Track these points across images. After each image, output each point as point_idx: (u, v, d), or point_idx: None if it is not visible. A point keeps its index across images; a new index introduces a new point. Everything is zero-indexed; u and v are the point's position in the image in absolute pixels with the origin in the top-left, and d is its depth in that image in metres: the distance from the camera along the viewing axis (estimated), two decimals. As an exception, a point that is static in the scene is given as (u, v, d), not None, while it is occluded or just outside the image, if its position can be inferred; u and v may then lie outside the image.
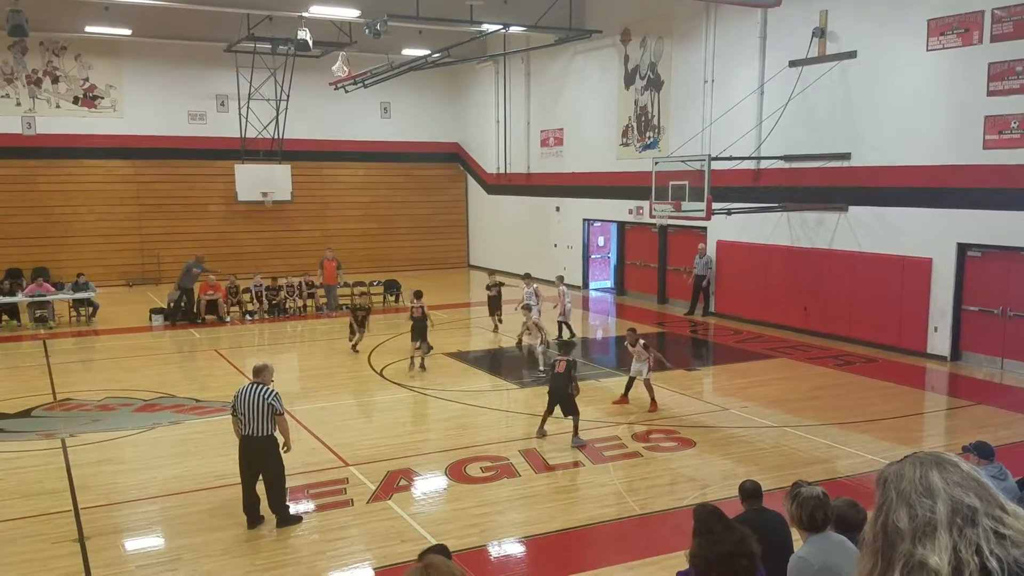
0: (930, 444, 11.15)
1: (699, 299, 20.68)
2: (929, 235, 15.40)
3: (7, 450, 10.76)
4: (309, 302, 21.73)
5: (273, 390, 8.23)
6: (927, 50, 15.16)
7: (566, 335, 17.04)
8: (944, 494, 1.72)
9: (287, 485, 8.42)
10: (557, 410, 10.90)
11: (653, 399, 12.34)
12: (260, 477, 8.24)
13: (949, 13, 14.74)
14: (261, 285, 21.23)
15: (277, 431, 8.22)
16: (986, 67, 14.23)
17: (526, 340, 15.72)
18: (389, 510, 8.64)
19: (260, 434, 8.09)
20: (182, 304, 20.15)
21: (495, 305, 18.86)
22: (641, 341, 12.43)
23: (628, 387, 12.63)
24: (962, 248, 15.05)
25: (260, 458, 8.17)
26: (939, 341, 15.46)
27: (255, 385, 8.22)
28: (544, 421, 11.08)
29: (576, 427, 10.81)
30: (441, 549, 5.18)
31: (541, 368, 14.53)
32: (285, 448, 8.34)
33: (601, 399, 12.93)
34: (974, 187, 14.53)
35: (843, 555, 4.29)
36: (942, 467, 1.77)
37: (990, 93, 14.22)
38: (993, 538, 1.66)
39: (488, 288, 19.05)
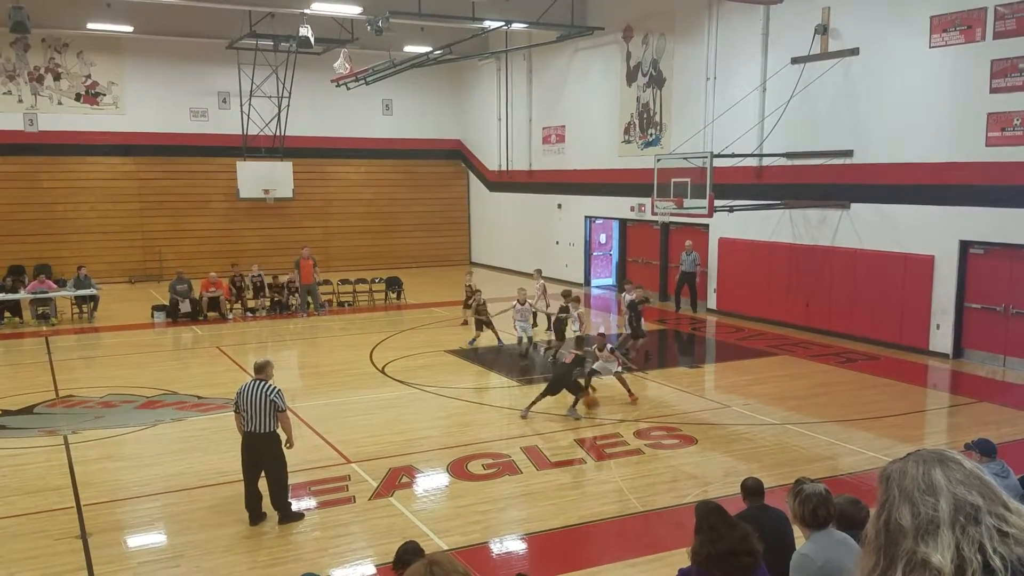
0: (932, 442, 11.15)
1: (683, 294, 20.86)
2: (931, 232, 15.38)
3: (10, 447, 10.78)
4: (309, 299, 21.62)
5: (275, 387, 8.24)
6: (930, 47, 15.14)
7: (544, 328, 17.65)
8: (947, 492, 1.71)
9: (289, 482, 8.42)
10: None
11: (630, 392, 12.56)
12: (263, 474, 8.25)
13: (952, 10, 14.71)
14: (260, 276, 21.10)
15: (279, 428, 8.23)
16: (989, 64, 14.21)
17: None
18: (391, 507, 8.65)
19: (262, 431, 8.10)
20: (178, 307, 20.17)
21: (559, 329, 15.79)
22: (608, 346, 12.91)
23: (588, 382, 12.68)
24: (964, 245, 15.03)
25: (262, 455, 8.18)
26: (941, 338, 15.44)
27: (257, 382, 8.23)
28: (534, 403, 11.68)
29: (576, 401, 11.80)
30: (413, 546, 5.18)
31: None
32: (288, 444, 8.35)
33: (602, 396, 12.91)
34: (976, 184, 14.51)
35: (845, 552, 4.29)
36: (945, 465, 1.76)
37: (993, 90, 14.20)
38: (996, 536, 1.66)
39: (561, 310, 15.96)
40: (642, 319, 15.74)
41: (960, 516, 1.68)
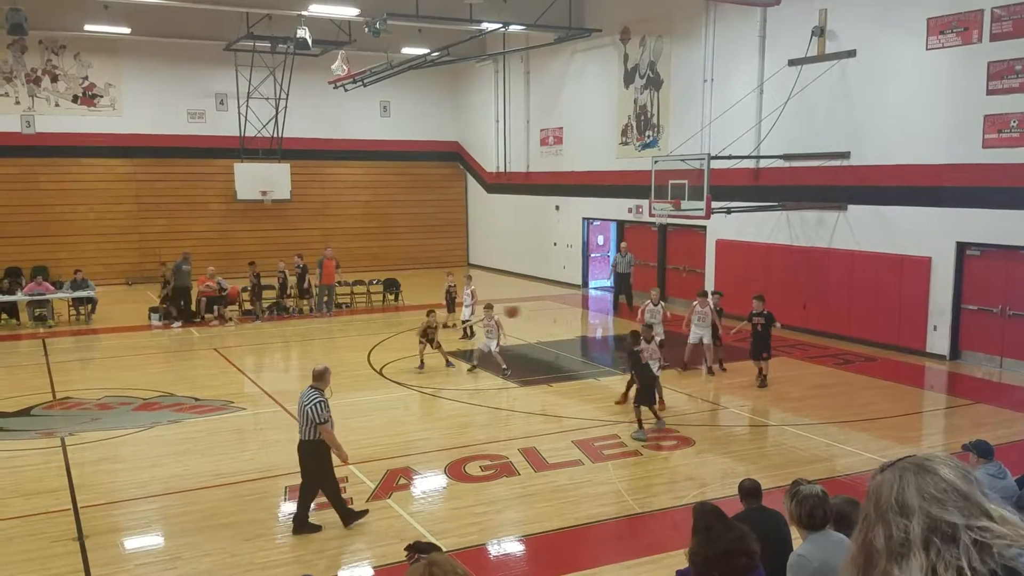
0: (929, 443, 11.16)
1: (622, 296, 21.03)
2: (928, 234, 15.41)
3: (7, 449, 10.76)
4: (309, 302, 21.55)
5: (319, 397, 8.07)
6: (926, 49, 15.17)
7: (470, 333, 17.72)
8: (919, 512, 1.67)
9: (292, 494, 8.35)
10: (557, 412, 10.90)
11: (661, 398, 12.36)
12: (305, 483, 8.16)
13: (949, 12, 14.74)
14: (219, 282, 20.45)
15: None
16: (986, 66, 14.24)
17: (481, 343, 15.25)
18: (389, 509, 8.63)
19: (306, 438, 8.03)
20: (180, 304, 20.08)
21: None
22: (657, 339, 12.40)
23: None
24: (961, 247, 15.06)
25: (302, 461, 8.11)
26: (938, 340, 15.46)
27: (309, 389, 8.13)
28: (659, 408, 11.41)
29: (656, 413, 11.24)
30: (434, 548, 5.18)
31: (504, 367, 14.40)
32: (341, 459, 8.17)
33: (600, 398, 12.92)
34: (973, 186, 14.54)
35: (842, 553, 4.27)
36: (921, 478, 1.72)
37: (989, 92, 14.22)
38: (975, 554, 1.61)
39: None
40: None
41: (935, 537, 1.64)
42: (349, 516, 8.16)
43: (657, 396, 11.71)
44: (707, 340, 14.40)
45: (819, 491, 4.58)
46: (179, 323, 19.61)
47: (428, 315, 15.22)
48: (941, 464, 1.75)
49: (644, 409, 11.07)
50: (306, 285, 21.18)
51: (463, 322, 18.05)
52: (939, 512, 1.67)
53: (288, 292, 21.26)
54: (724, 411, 12.41)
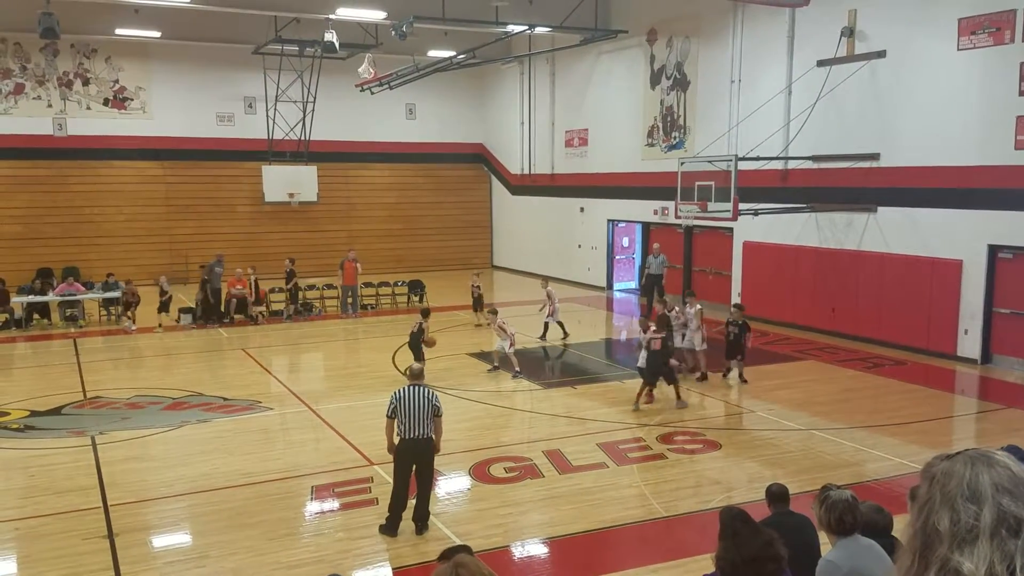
0: (960, 448, 10.95)
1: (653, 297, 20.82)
2: (959, 236, 15.20)
3: (38, 447, 10.92)
4: (332, 303, 21.68)
5: (434, 391, 8.19)
6: (958, 49, 14.97)
7: (559, 335, 17.50)
8: (991, 501, 1.65)
9: (312, 486, 8.39)
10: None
11: (652, 391, 12.74)
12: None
13: (980, 12, 14.54)
14: (165, 285, 20.01)
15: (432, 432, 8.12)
16: (1018, 67, 14.02)
17: (497, 344, 15.25)
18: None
19: (424, 436, 7.98)
20: (210, 302, 20.28)
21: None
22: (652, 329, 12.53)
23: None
24: (993, 249, 14.84)
25: (422, 460, 8.05)
26: (969, 344, 15.24)
27: (416, 387, 8.08)
28: (640, 396, 12.11)
29: (678, 392, 12.39)
30: (465, 550, 5.18)
31: (517, 369, 14.43)
32: (435, 450, 8.26)
33: (625, 400, 12.86)
34: (1005, 188, 14.33)
35: (872, 559, 4.25)
36: (993, 469, 1.70)
37: (1022, 93, 14.01)
38: None
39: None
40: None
41: (1002, 528, 1.62)
42: (425, 524, 8.09)
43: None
44: (699, 346, 14.03)
45: (848, 496, 4.53)
46: (213, 323, 19.79)
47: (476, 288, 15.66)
48: (1009, 459, 1.74)
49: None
50: (292, 287, 20.78)
51: (549, 322, 17.68)
52: (1009, 504, 1.65)
53: (258, 300, 20.73)
54: (751, 415, 12.31)
